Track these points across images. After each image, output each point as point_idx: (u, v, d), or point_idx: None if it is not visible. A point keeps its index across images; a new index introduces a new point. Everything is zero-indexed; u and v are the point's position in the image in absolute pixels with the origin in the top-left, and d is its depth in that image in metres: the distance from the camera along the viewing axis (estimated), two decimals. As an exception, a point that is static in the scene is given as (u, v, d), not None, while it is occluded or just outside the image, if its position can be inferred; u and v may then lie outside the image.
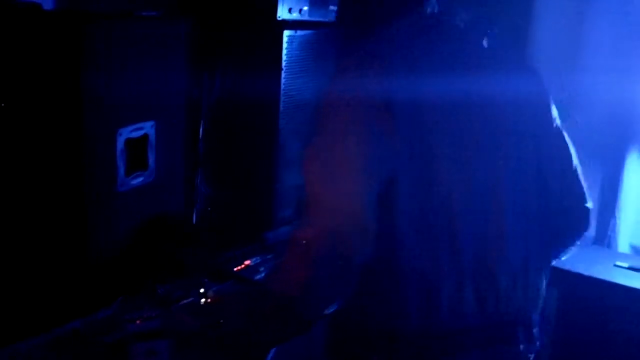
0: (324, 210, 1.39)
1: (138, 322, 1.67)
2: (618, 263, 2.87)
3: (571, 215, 1.70)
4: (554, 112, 1.66)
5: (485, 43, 1.59)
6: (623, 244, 3.14)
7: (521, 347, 1.60)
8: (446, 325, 1.48)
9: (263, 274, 2.03)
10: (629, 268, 2.83)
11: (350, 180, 1.38)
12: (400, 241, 1.43)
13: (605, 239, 3.16)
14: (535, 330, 1.64)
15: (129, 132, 1.96)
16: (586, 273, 2.78)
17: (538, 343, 1.65)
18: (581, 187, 1.69)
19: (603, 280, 2.75)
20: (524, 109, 1.59)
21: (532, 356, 1.64)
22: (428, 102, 1.43)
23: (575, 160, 1.68)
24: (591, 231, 3.19)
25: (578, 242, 1.76)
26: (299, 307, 1.43)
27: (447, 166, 1.45)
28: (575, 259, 2.87)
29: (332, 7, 2.37)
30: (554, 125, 1.65)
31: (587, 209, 1.71)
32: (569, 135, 1.70)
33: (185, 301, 1.87)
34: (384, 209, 1.40)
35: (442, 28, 1.55)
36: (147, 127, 2.03)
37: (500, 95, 1.54)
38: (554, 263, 2.76)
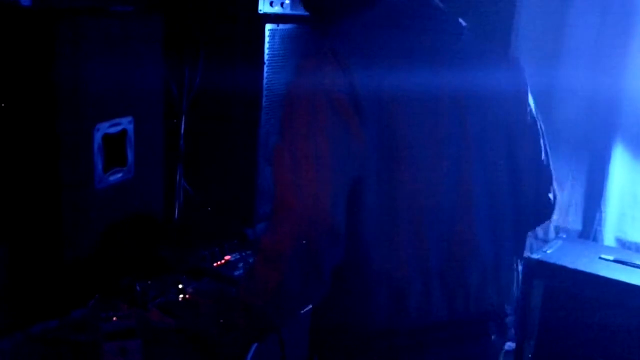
0: (292, 214, 1.35)
1: (114, 319, 1.65)
2: (603, 256, 2.86)
3: (536, 205, 1.68)
4: (530, 103, 1.64)
5: (459, 31, 1.57)
6: (609, 237, 3.14)
7: (493, 337, 1.60)
8: (414, 323, 1.47)
9: (242, 271, 2.02)
10: (615, 261, 2.82)
11: (318, 181, 1.35)
12: (366, 241, 1.41)
13: (591, 232, 3.16)
14: (507, 320, 1.64)
15: (106, 128, 1.95)
16: (571, 266, 2.77)
17: (512, 330, 1.65)
18: (549, 178, 1.68)
19: (588, 273, 2.74)
20: (498, 100, 1.56)
21: (505, 345, 1.64)
22: (394, 96, 1.40)
23: (545, 151, 1.66)
24: (577, 225, 3.20)
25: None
26: (269, 312, 1.42)
27: (414, 163, 1.43)
28: (560, 252, 2.89)
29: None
30: (529, 117, 1.63)
31: (550, 200, 1.69)
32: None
33: (162, 299, 1.86)
34: (351, 209, 1.38)
35: (411, 16, 1.51)
36: (125, 123, 2.01)
37: (473, 87, 1.51)
38: (538, 256, 2.80)
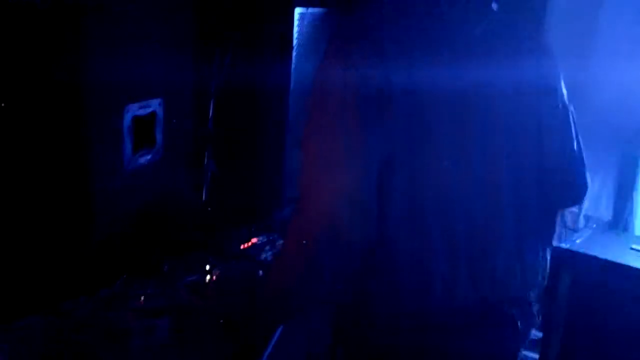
0: (324, 195, 1.36)
1: (142, 298, 1.67)
2: (634, 246, 2.82)
3: (567, 187, 1.67)
4: (563, 90, 1.62)
5: (494, 5, 1.54)
6: (640, 228, 3.10)
7: (519, 324, 1.58)
8: (441, 306, 1.47)
9: (269, 253, 2.03)
10: (646, 251, 2.78)
11: (348, 163, 1.35)
12: (393, 224, 1.41)
13: (621, 221, 3.12)
14: (533, 308, 1.63)
15: (136, 110, 1.95)
16: (601, 256, 2.74)
17: (539, 318, 1.64)
18: (580, 162, 1.66)
19: (618, 263, 2.71)
20: (527, 89, 1.54)
21: (531, 333, 1.63)
22: (425, 84, 1.39)
23: (575, 136, 1.64)
24: (607, 214, 3.16)
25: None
26: (297, 294, 1.42)
27: (442, 148, 1.42)
28: (590, 242, 2.85)
29: (344, -16, 2.34)
30: (560, 105, 1.61)
31: (584, 183, 1.68)
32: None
33: (189, 279, 1.87)
34: (379, 193, 1.38)
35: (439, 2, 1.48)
36: (155, 105, 2.02)
37: (503, 76, 1.50)
38: (567, 245, 2.77)
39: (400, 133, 1.38)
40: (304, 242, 1.38)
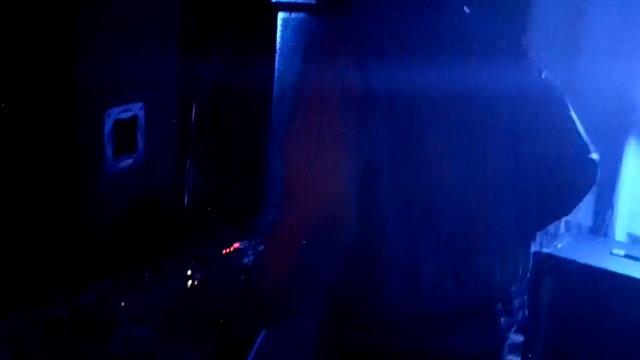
0: (305, 196, 1.36)
1: (122, 304, 1.65)
2: (614, 251, 2.85)
3: (577, 171, 1.67)
4: (552, 89, 1.64)
5: (466, 9, 1.55)
6: (620, 233, 3.12)
7: (502, 320, 1.59)
8: (428, 308, 1.47)
9: (251, 258, 2.02)
10: (626, 256, 2.81)
11: (331, 164, 1.35)
12: (379, 225, 1.41)
13: (602, 227, 3.15)
14: (515, 302, 1.63)
15: (117, 114, 1.94)
16: (582, 261, 2.76)
17: (520, 314, 1.64)
18: (582, 141, 1.66)
19: (599, 268, 2.73)
20: (510, 91, 1.55)
21: (514, 328, 1.64)
22: (408, 85, 1.38)
23: (573, 116, 1.65)
24: (588, 220, 3.19)
25: (584, 198, 1.74)
26: (280, 298, 1.42)
27: (429, 150, 1.42)
28: (570, 247, 2.87)
29: (327, -10, 2.34)
30: (544, 108, 1.62)
31: (593, 161, 1.67)
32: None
33: (171, 285, 1.85)
34: (365, 193, 1.38)
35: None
36: (136, 109, 2.00)
37: (488, 77, 1.51)
38: (549, 250, 2.79)
39: (387, 133, 1.37)
40: (287, 245, 1.38)
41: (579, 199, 1.75)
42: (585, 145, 1.67)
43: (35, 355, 1.57)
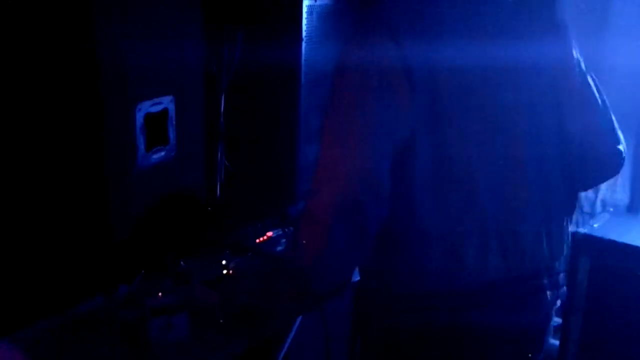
0: (336, 177, 1.39)
1: (159, 295, 1.67)
2: (653, 230, 2.80)
3: (603, 159, 1.65)
4: (581, 66, 1.61)
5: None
6: (658, 211, 3.07)
7: (548, 293, 1.60)
8: (472, 282, 1.48)
9: (284, 246, 2.03)
10: (664, 234, 2.75)
11: (363, 145, 1.38)
12: (419, 204, 1.43)
13: (638, 205, 3.09)
14: (560, 276, 1.64)
15: (148, 107, 1.96)
16: (619, 240, 2.71)
17: (564, 289, 1.64)
18: (612, 129, 1.63)
19: (637, 247, 2.68)
20: (545, 67, 1.55)
21: (558, 301, 1.65)
22: (443, 64, 1.41)
23: (602, 103, 1.62)
24: (624, 198, 3.13)
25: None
26: (314, 275, 1.43)
27: (465, 127, 1.44)
28: (608, 226, 2.83)
29: (352, -24, 2.33)
30: (577, 82, 1.60)
31: (620, 151, 1.64)
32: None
33: (206, 275, 1.87)
34: (401, 173, 1.40)
35: None
36: (166, 102, 2.02)
37: (520, 56, 1.51)
38: (585, 230, 2.75)
39: (422, 115, 1.40)
40: (320, 225, 1.39)
41: (602, 180, 1.76)
42: (615, 134, 1.65)
43: (77, 350, 1.60)
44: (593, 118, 1.62)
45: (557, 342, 2.86)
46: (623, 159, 1.67)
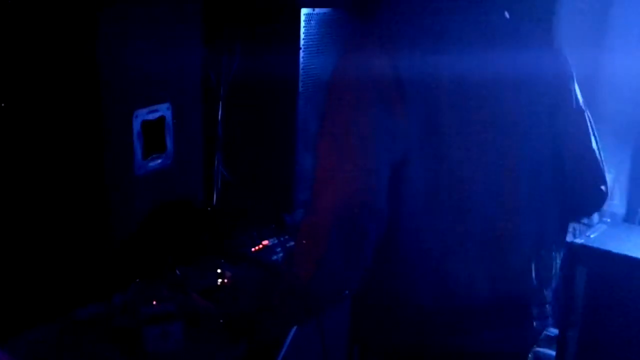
0: (334, 191, 1.37)
1: (154, 303, 1.67)
2: (649, 240, 2.80)
3: (586, 195, 1.65)
4: (576, 90, 1.61)
5: (506, 14, 1.55)
6: (655, 221, 3.07)
7: (535, 323, 1.59)
8: (458, 303, 1.47)
9: (280, 255, 2.02)
10: (661, 245, 2.75)
11: (361, 159, 1.37)
12: (408, 220, 1.41)
13: (636, 216, 3.09)
14: (548, 307, 1.62)
15: (145, 115, 1.96)
16: (616, 250, 2.71)
17: (550, 319, 1.63)
18: (599, 168, 1.64)
19: (634, 257, 2.68)
20: (542, 86, 1.54)
21: (544, 331, 1.62)
22: (439, 78, 1.40)
23: (595, 141, 1.63)
24: (621, 209, 3.13)
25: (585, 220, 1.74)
26: (311, 290, 1.42)
27: (459, 144, 1.42)
28: (604, 236, 2.83)
29: (350, -16, 2.33)
30: (574, 104, 1.60)
31: (602, 192, 1.65)
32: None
33: (201, 283, 1.87)
34: (394, 188, 1.38)
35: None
36: (163, 109, 2.02)
37: (517, 71, 1.50)
38: (582, 240, 2.75)
39: (416, 130, 1.38)
40: (316, 238, 1.39)
41: (580, 220, 1.75)
42: (601, 176, 1.64)
43: (73, 357, 1.59)
44: (587, 149, 1.62)
45: (553, 353, 2.86)
46: (604, 199, 1.67)
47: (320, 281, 1.41)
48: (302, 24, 2.27)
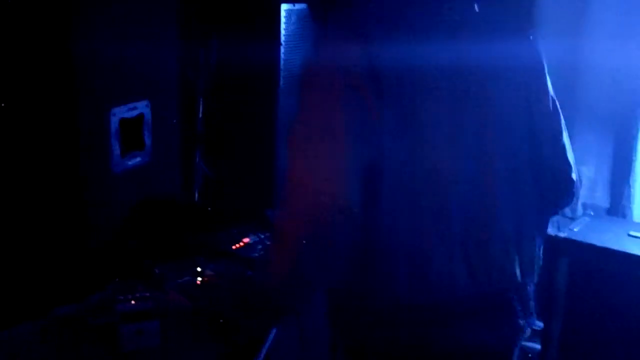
0: (305, 193, 1.34)
1: (131, 301, 1.65)
2: (632, 233, 2.80)
3: (558, 185, 1.64)
4: (547, 81, 1.61)
5: (476, 7, 1.54)
6: (638, 214, 3.07)
7: (520, 322, 1.57)
8: (438, 297, 1.45)
9: (261, 253, 2.01)
10: (643, 237, 2.76)
11: (331, 159, 1.33)
12: (386, 216, 1.39)
13: (619, 208, 3.10)
14: (531, 303, 1.61)
15: (123, 112, 1.95)
16: (599, 243, 2.72)
17: (534, 316, 1.62)
18: (567, 158, 1.63)
19: (617, 250, 2.69)
20: (517, 76, 1.53)
21: (529, 330, 1.61)
22: (412, 70, 1.37)
23: (564, 131, 1.62)
24: (605, 202, 3.14)
25: (559, 212, 1.71)
26: (284, 295, 1.41)
27: (435, 137, 1.40)
28: (587, 229, 2.84)
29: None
30: (548, 95, 1.60)
31: (572, 180, 1.64)
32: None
33: (180, 281, 1.86)
34: (370, 185, 1.36)
35: None
36: (142, 107, 2.01)
37: (491, 63, 1.48)
38: (565, 234, 2.76)
39: (390, 124, 1.36)
40: (289, 240, 1.37)
41: (555, 212, 1.74)
42: (570, 165, 1.63)
43: (50, 356, 1.58)
44: (559, 137, 1.61)
45: (538, 347, 2.87)
46: (575, 187, 1.65)
47: (293, 284, 1.40)
48: (283, 19, 2.26)
